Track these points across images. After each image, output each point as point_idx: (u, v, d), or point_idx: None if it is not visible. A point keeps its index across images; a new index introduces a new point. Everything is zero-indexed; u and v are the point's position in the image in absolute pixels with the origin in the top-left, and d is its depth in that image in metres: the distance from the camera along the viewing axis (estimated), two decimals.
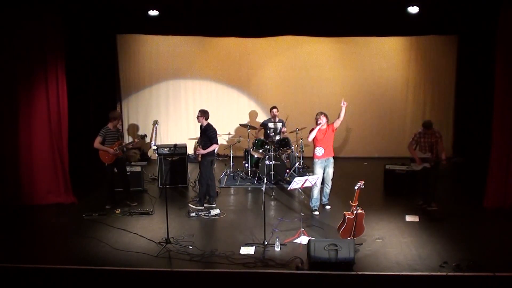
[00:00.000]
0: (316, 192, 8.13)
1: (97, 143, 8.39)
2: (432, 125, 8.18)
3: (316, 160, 8.08)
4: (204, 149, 8.37)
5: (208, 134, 8.40)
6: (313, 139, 8.06)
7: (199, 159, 8.56)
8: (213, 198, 8.63)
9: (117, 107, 11.98)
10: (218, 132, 8.53)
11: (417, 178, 8.76)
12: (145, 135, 8.85)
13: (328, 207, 8.43)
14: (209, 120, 8.58)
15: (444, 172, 8.97)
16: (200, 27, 10.46)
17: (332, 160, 8.17)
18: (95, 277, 6.28)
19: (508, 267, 6.17)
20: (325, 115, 8.06)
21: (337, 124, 8.11)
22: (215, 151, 8.60)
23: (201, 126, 8.59)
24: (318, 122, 7.99)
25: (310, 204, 8.28)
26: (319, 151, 8.04)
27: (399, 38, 11.77)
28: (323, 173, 8.12)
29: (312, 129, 8.06)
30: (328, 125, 8.10)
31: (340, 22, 10.06)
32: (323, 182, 8.21)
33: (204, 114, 8.48)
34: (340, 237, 6.79)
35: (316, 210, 8.22)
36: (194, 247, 6.87)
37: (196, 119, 8.60)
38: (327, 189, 8.33)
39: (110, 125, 8.52)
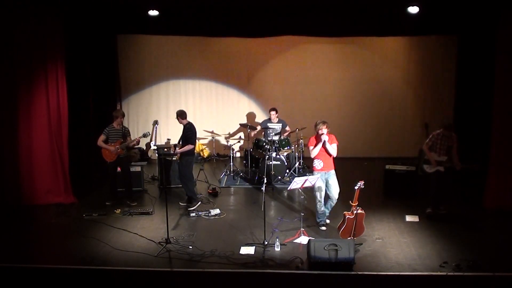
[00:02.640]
0: (320, 207, 7.50)
1: (99, 141, 8.52)
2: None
3: (315, 173, 7.44)
4: (179, 148, 8.44)
5: (185, 134, 8.43)
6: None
7: (177, 158, 8.57)
8: (195, 198, 8.61)
9: (117, 107, 11.99)
10: (218, 132, 8.54)
11: (432, 185, 7.99)
12: (148, 133, 8.96)
13: (326, 223, 7.71)
14: (209, 120, 8.59)
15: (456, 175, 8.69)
16: (200, 27, 10.47)
17: (333, 172, 7.46)
18: (95, 277, 6.28)
19: (508, 267, 6.17)
20: (327, 125, 7.31)
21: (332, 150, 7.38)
22: (195, 152, 8.52)
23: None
24: (320, 133, 7.26)
25: (317, 219, 7.62)
26: (317, 163, 7.41)
27: (399, 38, 11.78)
28: (326, 186, 7.44)
29: (316, 143, 7.35)
30: (329, 135, 7.37)
31: (340, 22, 10.07)
32: (327, 196, 7.51)
33: (180, 115, 8.48)
34: (340, 237, 6.80)
35: (323, 225, 7.59)
36: (194, 247, 6.87)
37: (179, 123, 8.61)
38: (332, 203, 7.56)
39: (114, 124, 8.62)
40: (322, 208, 7.53)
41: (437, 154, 7.82)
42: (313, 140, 7.44)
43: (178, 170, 8.70)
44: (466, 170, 7.78)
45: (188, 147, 8.36)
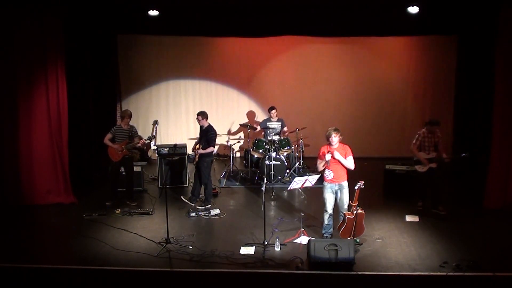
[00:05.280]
0: (326, 218, 7.05)
1: (105, 139, 8.56)
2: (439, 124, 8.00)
3: (324, 183, 6.98)
4: (203, 150, 8.44)
5: (208, 136, 8.44)
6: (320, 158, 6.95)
7: (196, 159, 8.59)
8: (209, 200, 8.68)
9: (117, 107, 11.99)
10: (218, 132, 8.57)
11: (422, 181, 8.22)
12: (153, 136, 8.96)
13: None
14: (209, 121, 8.62)
15: (447, 170, 8.78)
16: (200, 27, 10.46)
17: (345, 185, 6.94)
18: (95, 277, 6.28)
19: (508, 267, 6.18)
20: (338, 134, 6.83)
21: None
22: (213, 152, 8.64)
23: (202, 127, 8.61)
24: (327, 152, 6.77)
25: (322, 230, 7.16)
26: (327, 173, 6.91)
27: (399, 38, 11.77)
28: (336, 200, 7.00)
29: (322, 155, 6.84)
30: (343, 144, 6.97)
31: (340, 22, 10.06)
32: (336, 211, 7.09)
33: (204, 115, 8.53)
34: (340, 237, 6.80)
35: (327, 237, 7.08)
36: (194, 247, 6.87)
37: (198, 122, 8.64)
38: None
39: (122, 124, 8.65)
40: (327, 221, 7.09)
41: (426, 153, 7.99)
42: (324, 148, 6.89)
43: (199, 171, 8.65)
44: (457, 161, 7.86)
45: (209, 149, 8.41)
